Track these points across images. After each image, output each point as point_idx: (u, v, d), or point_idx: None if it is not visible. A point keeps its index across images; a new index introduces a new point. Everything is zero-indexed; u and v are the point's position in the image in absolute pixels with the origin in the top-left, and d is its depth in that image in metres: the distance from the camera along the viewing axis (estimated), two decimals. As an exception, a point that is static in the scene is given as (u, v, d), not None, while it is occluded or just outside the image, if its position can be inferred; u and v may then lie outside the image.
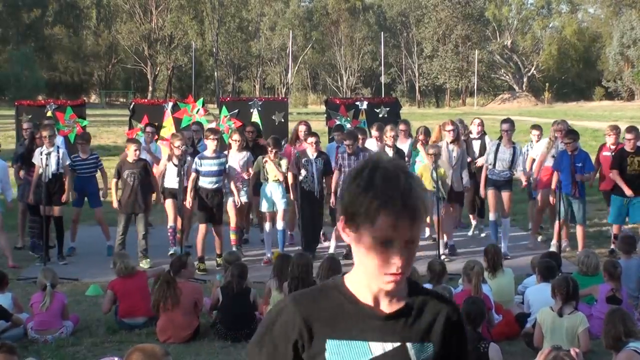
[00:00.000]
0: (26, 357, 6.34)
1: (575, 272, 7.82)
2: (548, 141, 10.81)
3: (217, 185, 9.89)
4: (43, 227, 9.86)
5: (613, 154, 10.39)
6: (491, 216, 10.57)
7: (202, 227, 9.90)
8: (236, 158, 10.30)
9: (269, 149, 10.06)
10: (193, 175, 9.84)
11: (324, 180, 10.30)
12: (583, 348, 6.10)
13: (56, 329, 7.12)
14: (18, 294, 7.93)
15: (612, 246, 10.02)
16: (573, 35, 75.97)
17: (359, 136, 10.34)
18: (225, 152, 10.39)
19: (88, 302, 8.41)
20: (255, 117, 15.26)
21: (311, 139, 10.16)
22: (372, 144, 11.03)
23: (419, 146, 10.92)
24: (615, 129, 11.08)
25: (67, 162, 10.27)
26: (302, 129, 10.96)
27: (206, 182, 9.86)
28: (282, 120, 15.36)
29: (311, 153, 10.11)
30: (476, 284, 6.77)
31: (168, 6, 68.68)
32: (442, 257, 9.52)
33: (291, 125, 15.72)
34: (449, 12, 70.36)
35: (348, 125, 14.86)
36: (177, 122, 14.32)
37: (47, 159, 9.80)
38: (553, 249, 9.85)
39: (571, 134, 10.14)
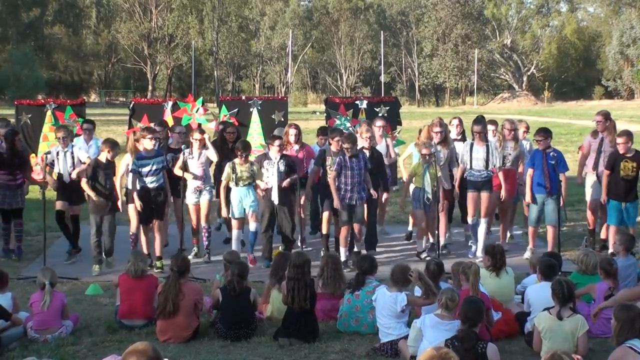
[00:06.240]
0: (26, 356, 6.34)
1: (575, 271, 7.83)
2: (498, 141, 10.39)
3: (158, 183, 9.66)
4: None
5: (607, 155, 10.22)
6: (469, 220, 10.25)
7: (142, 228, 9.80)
8: (196, 157, 10.12)
9: (238, 153, 9.83)
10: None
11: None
12: (582, 352, 6.11)
13: (56, 328, 7.11)
14: (17, 294, 7.92)
15: (611, 249, 9.89)
16: (573, 34, 76.04)
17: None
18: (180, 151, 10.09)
19: (88, 301, 8.40)
20: (255, 117, 15.26)
21: (277, 142, 10.03)
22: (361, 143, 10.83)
23: (415, 146, 10.83)
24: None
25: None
26: (292, 132, 10.71)
27: (147, 182, 9.62)
28: (282, 120, 15.34)
29: (274, 156, 9.96)
30: (474, 283, 6.76)
31: (168, 5, 68.71)
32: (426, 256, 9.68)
33: (291, 125, 15.72)
34: (449, 11, 70.41)
35: (347, 124, 14.86)
36: (177, 121, 14.29)
37: (64, 160, 10.02)
38: (528, 254, 9.81)
39: (543, 132, 9.96)
